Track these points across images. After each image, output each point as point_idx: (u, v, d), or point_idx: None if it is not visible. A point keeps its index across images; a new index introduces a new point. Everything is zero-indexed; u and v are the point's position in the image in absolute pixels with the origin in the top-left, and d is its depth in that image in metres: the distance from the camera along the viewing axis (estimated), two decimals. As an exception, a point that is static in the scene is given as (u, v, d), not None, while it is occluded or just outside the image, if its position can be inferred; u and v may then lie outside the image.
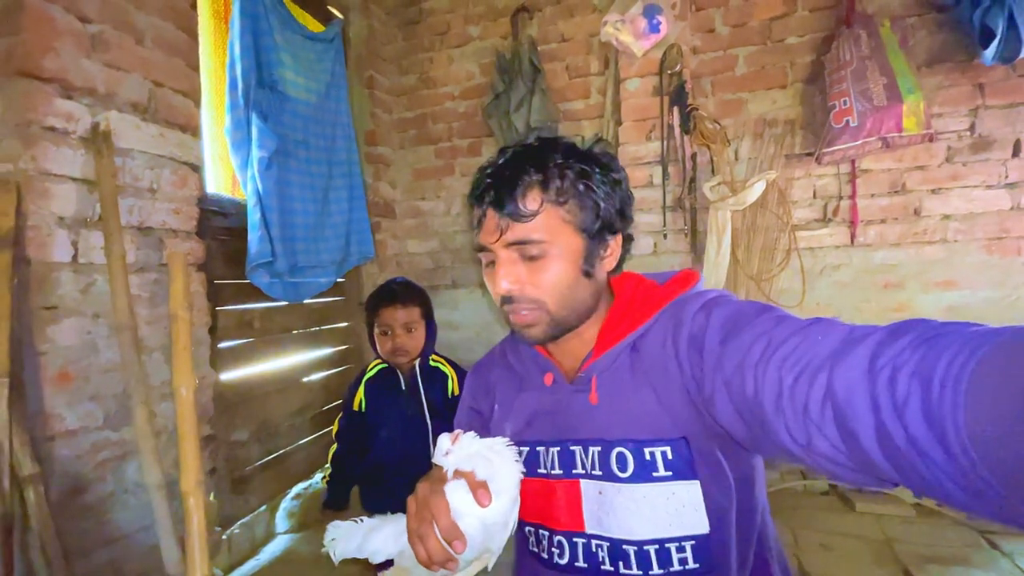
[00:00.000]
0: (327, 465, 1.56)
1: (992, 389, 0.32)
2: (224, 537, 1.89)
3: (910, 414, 0.36)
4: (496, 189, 0.67)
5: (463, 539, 0.57)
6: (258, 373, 2.13)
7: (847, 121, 2.01)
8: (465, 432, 0.64)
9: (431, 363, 1.53)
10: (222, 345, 1.91)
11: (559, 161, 0.67)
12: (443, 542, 0.57)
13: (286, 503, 2.18)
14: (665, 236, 2.30)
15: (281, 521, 2.13)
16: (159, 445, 1.38)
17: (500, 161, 0.69)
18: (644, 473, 0.65)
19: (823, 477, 2.16)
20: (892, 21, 2.02)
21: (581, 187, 0.67)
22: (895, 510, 1.96)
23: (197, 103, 1.72)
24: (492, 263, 0.70)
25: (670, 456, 0.65)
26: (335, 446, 1.56)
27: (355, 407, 1.53)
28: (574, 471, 0.71)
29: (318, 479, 2.30)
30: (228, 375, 1.95)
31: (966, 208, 2.06)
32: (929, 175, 2.11)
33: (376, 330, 1.48)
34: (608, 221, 0.69)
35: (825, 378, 0.44)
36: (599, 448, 0.68)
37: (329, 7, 2.55)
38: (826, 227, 2.24)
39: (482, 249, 0.70)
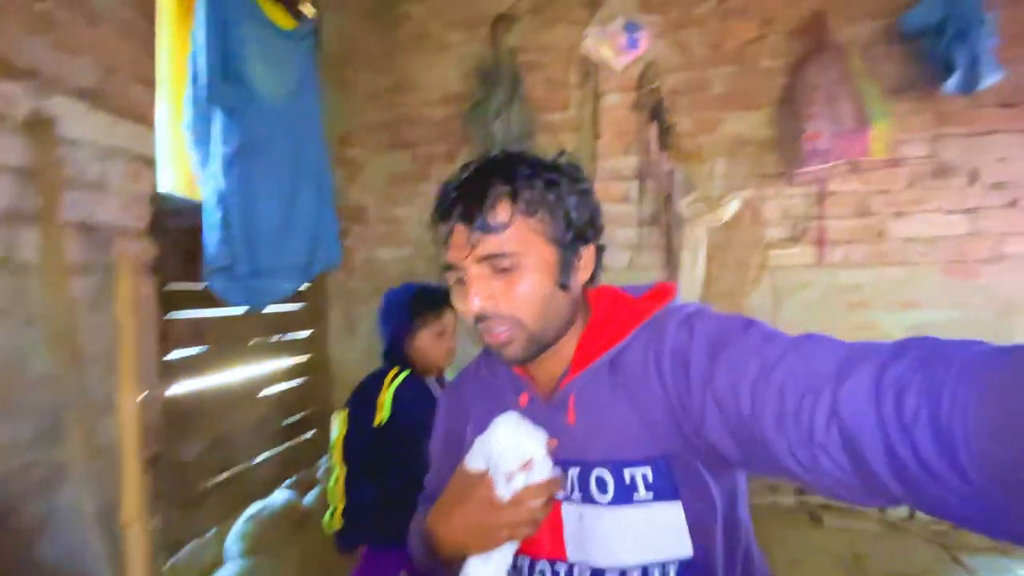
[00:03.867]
0: (336, 499, 1.37)
1: (1002, 408, 0.32)
2: (169, 564, 1.73)
3: (919, 434, 0.36)
4: (464, 203, 0.64)
5: (556, 478, 0.64)
6: (212, 386, 1.98)
7: (818, 143, 2.06)
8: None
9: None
10: (172, 355, 1.77)
11: (526, 172, 0.66)
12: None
13: (239, 525, 2.02)
14: (641, 251, 2.29)
15: (233, 545, 1.97)
16: (98, 466, 1.24)
17: (465, 175, 0.67)
18: (625, 496, 0.63)
19: (793, 492, 2.18)
20: (862, 50, 2.10)
21: (551, 197, 0.66)
22: (863, 525, 1.99)
23: (154, 92, 1.60)
24: (460, 281, 0.68)
25: (651, 477, 0.63)
26: (340, 473, 1.38)
27: (376, 423, 1.37)
28: (556, 495, 0.68)
29: (278, 500, 2.15)
30: (178, 388, 1.80)
31: (927, 232, 2.14)
32: (893, 199, 2.18)
33: (429, 332, 1.41)
34: (580, 230, 0.68)
35: (829, 397, 0.43)
36: (578, 469, 0.67)
37: (302, 5, 2.45)
38: (796, 246, 2.28)
39: (450, 268, 0.68)
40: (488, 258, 0.64)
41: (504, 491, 0.62)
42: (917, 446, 0.36)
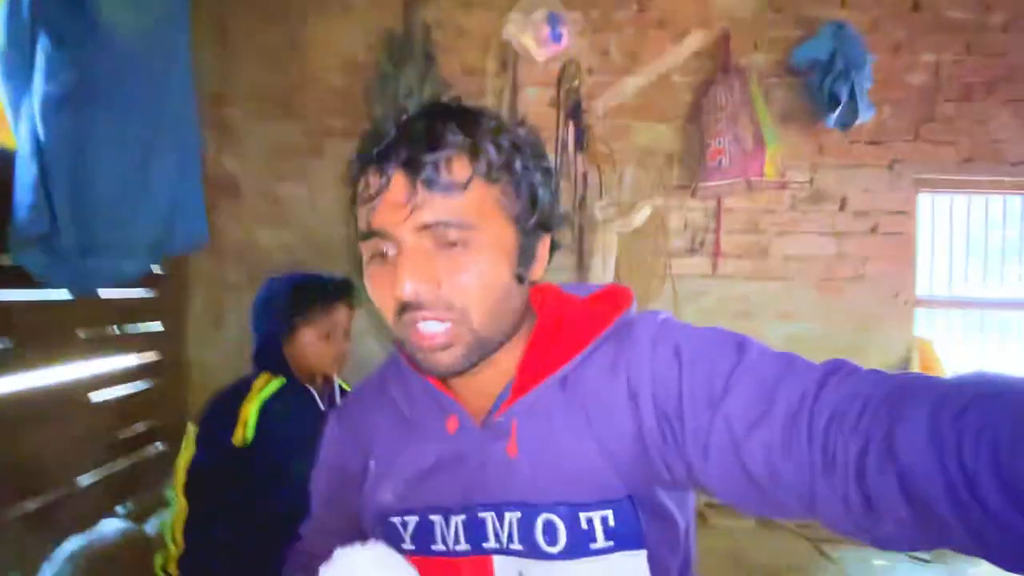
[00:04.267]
0: (173, 542, 1.07)
1: None
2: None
3: (984, 482, 0.32)
4: (409, 147, 0.48)
5: None
6: (16, 389, 1.54)
7: (720, 160, 2.16)
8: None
9: (338, 382, 1.23)
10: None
11: (492, 126, 0.52)
12: None
13: (55, 566, 1.59)
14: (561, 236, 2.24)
15: (42, 595, 1.54)
16: None
17: (405, 116, 0.52)
18: (579, 546, 0.52)
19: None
20: (759, 77, 2.24)
21: (517, 165, 0.52)
22: (740, 523, 2.12)
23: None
24: (383, 256, 0.52)
25: (612, 522, 0.52)
26: (180, 508, 1.08)
27: (236, 441, 1.09)
28: (484, 545, 0.55)
29: (110, 530, 1.73)
30: (-37, 393, 1.36)
31: (803, 250, 2.35)
32: (777, 218, 2.37)
33: (313, 332, 1.16)
34: (545, 215, 0.56)
35: (884, 440, 0.38)
36: (519, 514, 0.54)
37: (171, -74, 2.02)
38: (693, 257, 2.38)
39: (370, 235, 0.51)
40: (433, 226, 0.49)
41: None
42: (982, 493, 0.32)
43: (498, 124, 0.54)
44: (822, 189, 2.34)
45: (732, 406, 0.46)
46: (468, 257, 0.50)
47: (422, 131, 0.49)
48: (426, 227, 0.49)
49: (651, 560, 0.53)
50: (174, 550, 1.05)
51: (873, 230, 2.31)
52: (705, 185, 2.23)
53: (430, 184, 0.48)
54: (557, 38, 2.14)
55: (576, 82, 2.20)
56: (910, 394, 0.39)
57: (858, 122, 2.09)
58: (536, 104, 2.26)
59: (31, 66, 1.43)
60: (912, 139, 2.28)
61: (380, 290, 0.53)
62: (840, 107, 2.05)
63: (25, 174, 1.39)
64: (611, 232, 2.11)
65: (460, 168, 0.49)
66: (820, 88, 2.13)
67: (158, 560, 1.06)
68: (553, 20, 2.11)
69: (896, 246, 2.30)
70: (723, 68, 2.27)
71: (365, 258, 0.54)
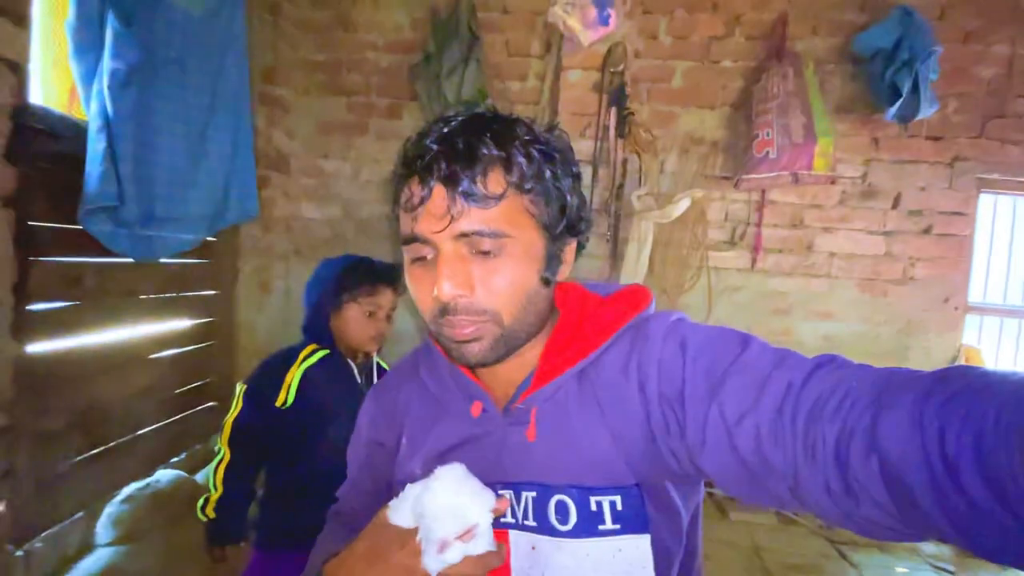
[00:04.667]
0: (213, 486, 1.17)
1: None
2: (19, 554, 1.46)
3: (965, 472, 0.33)
4: (449, 161, 0.52)
5: (500, 549, 0.53)
6: (86, 345, 1.68)
7: (767, 152, 2.08)
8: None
9: (376, 360, 1.31)
10: (34, 307, 1.46)
11: (525, 138, 0.55)
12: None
13: (112, 507, 1.76)
14: (587, 238, 2.24)
15: (104, 530, 1.72)
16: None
17: (446, 128, 0.55)
18: (588, 526, 0.56)
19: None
20: (815, 64, 2.13)
21: (548, 175, 0.55)
22: (762, 519, 2.12)
23: (26, -22, 1.26)
24: (423, 259, 0.56)
25: (620, 506, 0.56)
26: (224, 457, 1.18)
27: (279, 403, 1.19)
28: (502, 520, 0.59)
29: (165, 478, 1.90)
30: (40, 346, 1.50)
31: (849, 248, 2.27)
32: (823, 214, 2.28)
33: (357, 309, 1.24)
34: (572, 220, 0.58)
35: (868, 430, 0.39)
36: (534, 494, 0.58)
37: (230, -97, 2.07)
38: (732, 250, 2.33)
39: (412, 240, 0.55)
40: (470, 235, 0.52)
41: (433, 562, 0.50)
42: (964, 484, 0.33)
43: (530, 133, 0.56)
44: (875, 185, 2.23)
45: (727, 396, 0.49)
46: (500, 264, 0.54)
47: (461, 146, 0.52)
48: (463, 236, 0.52)
49: (655, 545, 0.56)
50: (214, 493, 1.16)
51: (926, 231, 2.20)
52: (749, 177, 2.16)
53: (467, 197, 0.51)
54: (605, 20, 2.09)
55: (621, 66, 2.15)
56: (896, 385, 0.40)
57: (920, 116, 1.97)
58: (578, 87, 2.23)
59: (100, 44, 1.51)
60: (977, 136, 2.15)
61: (420, 290, 0.57)
62: (901, 99, 1.94)
63: (95, 146, 1.49)
64: (648, 221, 2.09)
65: (495, 181, 0.52)
66: (881, 78, 2.01)
67: (199, 502, 1.17)
68: (601, 2, 2.06)
69: (950, 248, 2.19)
70: (777, 54, 2.18)
71: (407, 260, 0.58)
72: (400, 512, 0.54)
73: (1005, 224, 2.35)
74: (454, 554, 0.50)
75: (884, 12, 2.04)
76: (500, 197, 0.52)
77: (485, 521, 0.52)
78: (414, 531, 0.52)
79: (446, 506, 0.51)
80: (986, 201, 2.27)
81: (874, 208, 2.24)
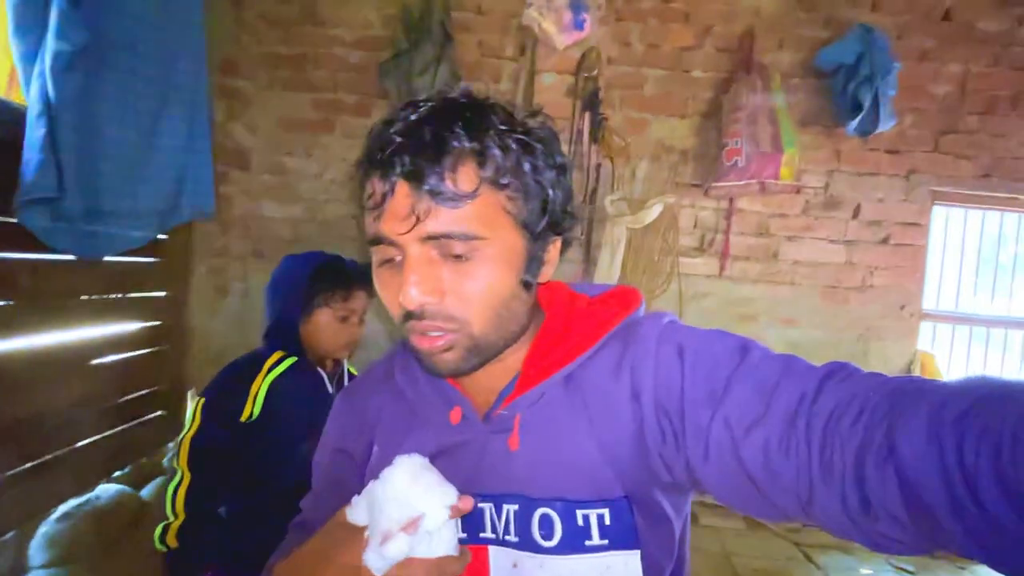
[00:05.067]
0: (173, 513, 1.06)
1: None
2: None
3: (983, 485, 0.32)
4: (413, 154, 0.47)
5: (462, 557, 0.50)
6: (19, 349, 1.54)
7: (736, 160, 2.12)
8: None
9: (347, 367, 1.25)
10: (-41, 308, 1.33)
11: (502, 127, 0.49)
12: None
13: (47, 526, 1.62)
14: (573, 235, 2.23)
15: (38, 552, 1.57)
16: None
17: (414, 115, 0.49)
18: (574, 542, 0.52)
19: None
20: (782, 77, 2.19)
21: (527, 167, 0.51)
22: (730, 523, 2.14)
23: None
24: (391, 263, 0.52)
25: (608, 520, 0.53)
26: (184, 480, 1.07)
27: (243, 417, 1.10)
28: (481, 535, 0.56)
29: (106, 494, 1.75)
30: (-35, 351, 1.36)
31: (812, 257, 2.33)
32: (788, 223, 2.34)
33: (330, 314, 1.16)
34: (555, 217, 0.54)
35: (884, 442, 0.38)
36: (517, 507, 0.54)
37: None
38: (701, 256, 2.36)
39: (378, 242, 0.51)
40: (438, 237, 0.48)
41: (374, 557, 0.45)
42: (982, 496, 0.32)
43: (509, 118, 0.52)
44: (836, 196, 2.31)
45: (731, 407, 0.46)
46: (473, 268, 0.49)
47: (428, 138, 0.47)
48: (431, 238, 0.48)
49: (645, 561, 0.53)
50: (175, 521, 1.05)
51: (884, 240, 2.29)
52: (719, 184, 2.20)
53: (435, 195, 0.47)
54: (580, 25, 2.09)
55: (595, 71, 2.16)
56: (911, 396, 0.38)
57: (879, 130, 2.05)
58: (552, 91, 2.22)
59: (44, 23, 1.40)
60: (931, 150, 2.25)
61: (388, 294, 0.53)
62: (862, 114, 2.02)
63: (34, 133, 1.37)
64: (621, 226, 2.09)
65: (466, 177, 0.47)
66: (843, 92, 2.09)
67: (157, 531, 1.06)
68: (576, 6, 2.06)
69: (906, 258, 2.28)
70: (746, 66, 2.23)
71: (375, 261, 0.54)
72: (357, 509, 0.50)
73: (956, 235, 2.47)
74: (396, 548, 0.45)
75: (846, 29, 2.12)
76: (472, 195, 0.47)
77: (439, 516, 0.47)
78: (365, 528, 0.48)
79: (394, 494, 0.47)
80: (939, 213, 2.38)
81: (836, 218, 2.32)
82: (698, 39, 2.31)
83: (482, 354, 0.53)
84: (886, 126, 2.04)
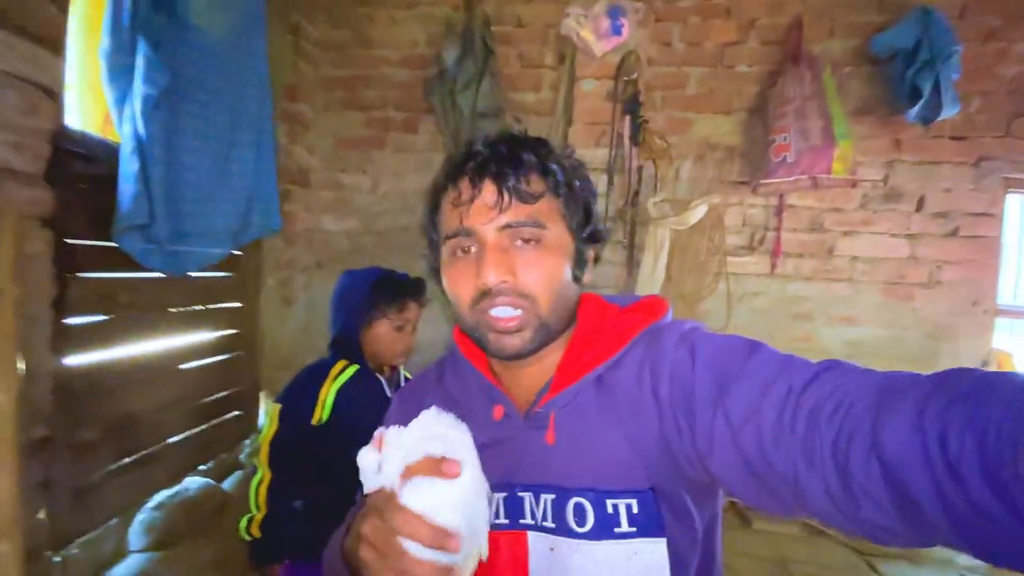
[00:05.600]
0: (256, 506, 1.20)
1: None
2: (57, 560, 1.52)
3: (967, 474, 0.33)
4: (498, 162, 0.59)
5: (455, 535, 0.44)
6: (119, 358, 1.74)
7: (785, 156, 2.07)
8: (387, 434, 0.50)
9: (403, 373, 1.36)
10: (71, 322, 1.52)
11: (554, 153, 0.63)
12: (432, 555, 0.43)
13: (144, 515, 1.81)
14: (603, 246, 2.24)
15: (136, 537, 1.77)
16: (-37, 457, 1.03)
17: (490, 141, 0.62)
18: (605, 529, 0.58)
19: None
20: (833, 67, 2.11)
21: (576, 183, 0.63)
22: (786, 528, 2.08)
23: (64, 10, 1.34)
24: (465, 252, 0.61)
25: (635, 510, 0.57)
26: (264, 477, 1.21)
27: (314, 420, 1.21)
28: (521, 521, 0.62)
29: (193, 486, 1.95)
30: (76, 359, 1.56)
31: (872, 252, 2.23)
32: (844, 217, 2.25)
33: (389, 324, 1.28)
34: (595, 227, 0.65)
35: (869, 432, 0.39)
36: (553, 496, 0.60)
37: (252, -70, 2.15)
38: (751, 255, 2.31)
39: (455, 236, 0.61)
40: (514, 227, 0.59)
41: (376, 480, 0.48)
42: (966, 485, 0.33)
43: (556, 150, 0.64)
44: (897, 187, 2.19)
45: (731, 403, 0.51)
46: (538, 253, 0.59)
47: (506, 152, 0.60)
48: (508, 227, 0.58)
49: (671, 549, 0.57)
50: (257, 514, 1.18)
51: (953, 233, 2.15)
52: (767, 182, 2.15)
53: (515, 192, 0.58)
54: (617, 30, 2.11)
55: (635, 74, 2.16)
56: (896, 388, 0.40)
57: (942, 117, 1.93)
58: (592, 97, 2.24)
59: (132, 69, 1.58)
60: (1003, 135, 2.09)
61: (461, 281, 0.61)
62: (922, 100, 1.91)
63: (127, 168, 1.55)
64: (664, 228, 2.09)
65: (535, 182, 0.60)
66: (901, 79, 1.99)
67: (242, 522, 1.20)
68: (613, 12, 2.08)
69: (978, 250, 2.13)
70: (793, 58, 2.16)
71: (446, 255, 0.63)
72: (370, 453, 0.51)
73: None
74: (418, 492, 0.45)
75: (902, 12, 2.02)
76: (540, 196, 0.59)
77: (464, 450, 0.48)
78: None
79: (418, 435, 0.49)
80: (1014, 201, 2.21)
81: (897, 210, 2.20)
82: (742, 34, 2.27)
83: (546, 334, 0.61)
84: (950, 112, 1.92)
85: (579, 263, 0.63)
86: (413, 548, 0.44)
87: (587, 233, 0.64)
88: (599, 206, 0.68)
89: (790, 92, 2.09)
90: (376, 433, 0.50)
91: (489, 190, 0.59)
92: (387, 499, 0.46)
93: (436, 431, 0.49)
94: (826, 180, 2.09)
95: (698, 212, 2.02)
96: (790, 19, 2.20)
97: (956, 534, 0.35)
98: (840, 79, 2.12)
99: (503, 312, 0.59)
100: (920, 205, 2.18)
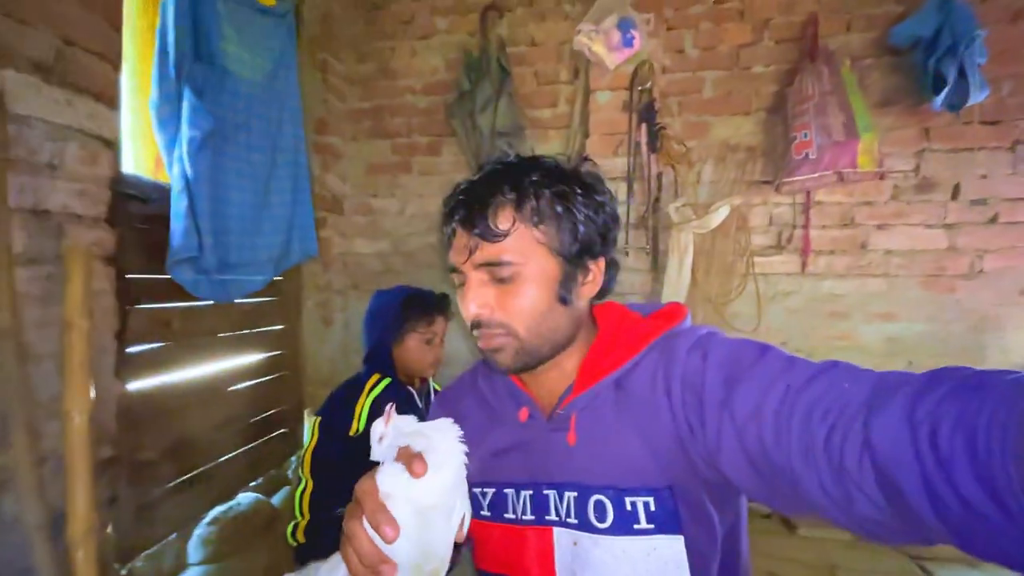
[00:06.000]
0: (300, 513, 1.28)
1: None
2: (124, 573, 1.63)
3: (958, 470, 0.34)
4: (466, 206, 0.64)
5: (393, 523, 0.46)
6: (174, 382, 1.87)
7: (807, 153, 2.05)
8: (395, 415, 0.56)
9: (432, 384, 1.44)
10: (132, 350, 1.66)
11: (535, 179, 0.64)
12: (371, 533, 0.46)
13: (201, 529, 1.93)
14: (627, 253, 2.26)
15: (194, 550, 1.88)
16: (44, 474, 1.14)
17: (474, 178, 0.67)
18: (624, 525, 0.60)
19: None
20: (852, 60, 2.09)
21: (559, 208, 0.64)
22: (835, 534, 2.01)
23: (117, 68, 1.48)
24: (463, 284, 0.67)
25: (653, 507, 0.60)
26: (308, 486, 1.29)
27: (352, 431, 1.29)
28: (547, 517, 0.66)
29: (245, 501, 2.06)
30: (137, 384, 1.69)
31: (907, 245, 2.16)
32: (876, 211, 2.19)
33: (419, 338, 1.36)
34: (588, 244, 0.66)
35: (861, 430, 0.41)
36: (575, 494, 0.63)
37: (281, -20, 2.32)
38: (780, 254, 2.28)
39: (454, 270, 0.67)
40: (486, 265, 0.63)
41: (376, 450, 0.55)
42: (956, 481, 0.34)
43: (547, 175, 0.64)
44: (930, 177, 2.13)
45: (737, 403, 0.53)
46: (514, 288, 0.63)
47: (477, 193, 0.64)
48: (481, 265, 0.63)
49: (689, 546, 0.60)
50: (302, 520, 1.26)
51: (992, 220, 2.07)
52: (791, 180, 2.12)
53: (480, 234, 0.62)
54: (629, 42, 2.15)
55: (649, 83, 2.20)
56: (890, 386, 0.41)
57: (970, 102, 1.88)
58: (608, 108, 2.28)
59: (179, 116, 1.73)
60: (1039, 116, 2.01)
61: (462, 309, 0.68)
62: (947, 87, 1.86)
63: (177, 206, 1.70)
64: (687, 232, 2.09)
65: (504, 218, 0.62)
66: (924, 68, 1.94)
67: (288, 528, 1.28)
68: (624, 25, 2.12)
69: (1021, 237, 2.04)
70: (810, 55, 2.15)
71: (455, 285, 0.69)
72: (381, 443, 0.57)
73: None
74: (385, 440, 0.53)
75: (920, 0, 1.98)
76: (507, 233, 0.62)
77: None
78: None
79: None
80: (1058, 184, 2.11)
81: (932, 200, 2.13)
82: (756, 34, 2.27)
83: (530, 355, 0.65)
84: (978, 97, 1.87)
85: (567, 285, 0.65)
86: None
87: (576, 251, 0.65)
88: (609, 214, 0.69)
89: (808, 89, 2.08)
90: (387, 407, 0.56)
91: (460, 234, 0.65)
92: (365, 491, 0.49)
93: (431, 433, 0.52)
94: (852, 174, 2.05)
95: (720, 214, 2.02)
96: (805, 17, 2.19)
97: (947, 530, 0.35)
98: (860, 72, 2.10)
99: (485, 340, 0.65)
100: (956, 193, 2.10)
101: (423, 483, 0.47)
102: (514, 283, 0.63)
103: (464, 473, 0.52)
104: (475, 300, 0.63)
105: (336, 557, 0.55)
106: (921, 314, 2.14)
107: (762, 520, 2.15)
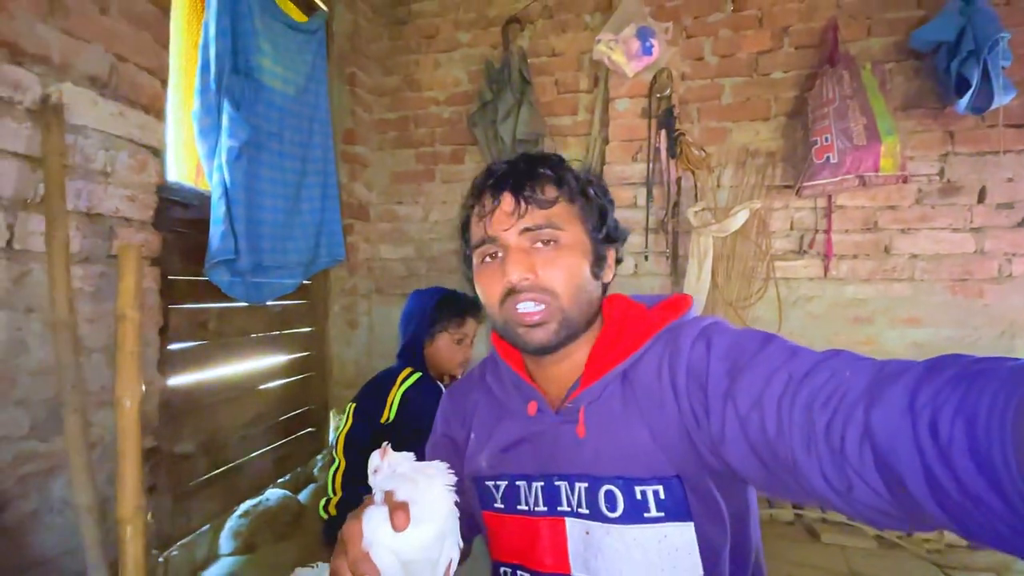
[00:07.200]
0: (332, 490, 1.36)
1: None
2: (160, 560, 1.71)
3: (957, 456, 0.33)
4: (515, 176, 0.66)
5: (375, 574, 0.46)
6: (210, 379, 1.96)
7: (828, 157, 2.05)
8: (391, 451, 0.55)
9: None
10: (172, 347, 1.75)
11: (568, 166, 0.70)
12: None
13: (232, 522, 2.00)
14: (647, 258, 2.29)
15: (226, 542, 1.96)
16: (93, 459, 1.23)
17: (512, 159, 0.70)
18: (635, 513, 0.61)
19: (791, 505, 2.17)
20: (873, 64, 2.09)
21: (590, 191, 0.69)
22: (858, 542, 1.98)
23: (164, 82, 1.58)
24: (493, 256, 0.67)
25: (663, 496, 0.61)
26: (340, 465, 1.37)
27: (383, 419, 1.37)
28: (559, 508, 0.66)
29: (274, 496, 2.13)
30: (176, 380, 1.78)
31: (933, 249, 2.13)
32: (900, 215, 2.18)
33: (449, 337, 1.43)
34: (611, 229, 0.71)
35: (862, 418, 0.40)
36: (586, 484, 0.64)
37: (314, -2, 2.44)
38: (801, 259, 2.27)
39: (482, 244, 0.67)
40: (532, 230, 0.64)
41: (371, 481, 0.55)
42: (956, 468, 0.33)
43: (571, 165, 0.72)
44: (955, 180, 2.11)
45: (740, 393, 0.53)
46: (557, 252, 0.65)
47: (522, 167, 0.68)
48: (527, 230, 0.65)
49: (699, 533, 0.60)
50: (334, 497, 1.35)
51: (1021, 223, 2.03)
52: (811, 184, 2.12)
53: (529, 200, 0.65)
54: (648, 50, 2.19)
55: (668, 90, 2.23)
56: (891, 374, 0.41)
57: (995, 105, 1.86)
58: (627, 115, 2.32)
59: (218, 127, 1.84)
60: (1067, 118, 1.98)
61: (489, 283, 0.67)
62: (971, 91, 1.85)
63: (217, 211, 1.79)
64: (707, 236, 2.11)
65: (549, 190, 0.67)
66: (947, 71, 1.93)
67: (321, 503, 1.36)
68: (643, 34, 2.17)
69: (1052, 240, 2.00)
70: (830, 60, 2.16)
71: (476, 263, 0.70)
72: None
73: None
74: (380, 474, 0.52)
75: (941, 4, 1.98)
76: (554, 201, 0.66)
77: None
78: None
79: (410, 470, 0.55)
80: (1090, 186, 2.06)
81: (957, 204, 2.11)
82: (775, 41, 2.29)
83: (568, 328, 0.66)
84: (1003, 100, 1.85)
85: (598, 262, 0.68)
86: None
87: (604, 235, 0.69)
88: (613, 213, 0.73)
89: (829, 93, 2.08)
90: (384, 443, 0.58)
91: (507, 200, 0.65)
92: (350, 536, 0.49)
93: (419, 479, 0.51)
94: (875, 178, 2.05)
95: (739, 218, 2.04)
96: (824, 22, 2.20)
97: (947, 517, 0.35)
98: (882, 76, 2.09)
99: (528, 307, 0.64)
100: (982, 197, 2.08)
101: (405, 536, 0.47)
102: (557, 247, 0.65)
103: (453, 523, 0.51)
104: (520, 264, 0.63)
105: (323, 566, 0.56)
106: (948, 319, 2.10)
107: (786, 527, 2.13)
